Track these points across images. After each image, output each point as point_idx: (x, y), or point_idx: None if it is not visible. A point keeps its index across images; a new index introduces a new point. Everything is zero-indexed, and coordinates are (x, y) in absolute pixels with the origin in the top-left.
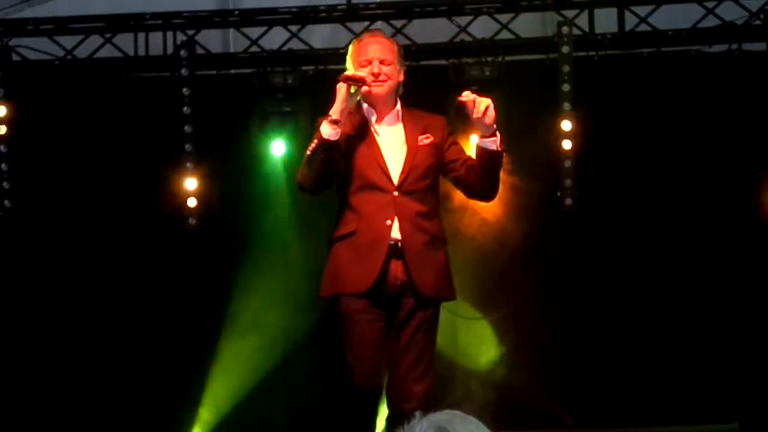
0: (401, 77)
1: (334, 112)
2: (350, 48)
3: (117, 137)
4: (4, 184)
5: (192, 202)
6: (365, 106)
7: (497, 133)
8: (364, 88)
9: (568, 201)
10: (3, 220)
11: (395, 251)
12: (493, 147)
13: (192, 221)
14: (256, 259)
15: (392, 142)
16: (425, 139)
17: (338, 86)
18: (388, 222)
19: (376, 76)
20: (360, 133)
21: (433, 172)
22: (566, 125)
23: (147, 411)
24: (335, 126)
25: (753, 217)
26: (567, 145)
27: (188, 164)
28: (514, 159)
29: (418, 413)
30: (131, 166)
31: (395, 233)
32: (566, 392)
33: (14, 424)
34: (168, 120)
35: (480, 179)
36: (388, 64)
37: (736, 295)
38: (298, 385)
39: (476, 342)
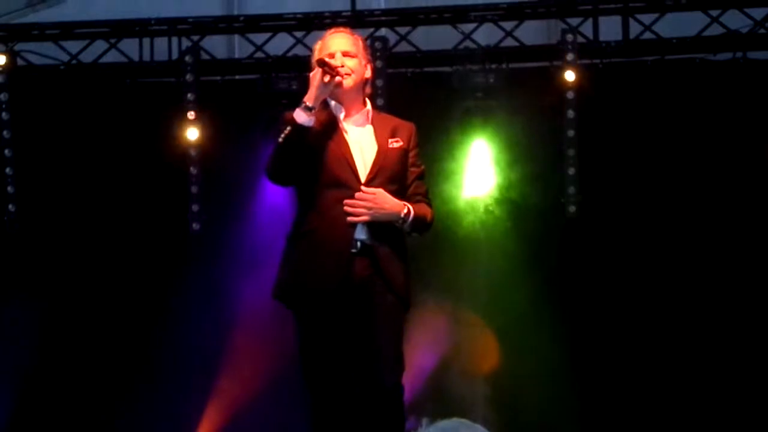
0: (367, 74)
1: (309, 98)
2: (315, 47)
3: (122, 142)
4: (9, 188)
5: (195, 207)
6: (332, 103)
7: (407, 213)
8: (338, 79)
9: (572, 208)
10: (8, 224)
11: (358, 250)
12: (407, 229)
13: (195, 226)
14: (259, 261)
15: (361, 141)
16: (395, 143)
17: (312, 73)
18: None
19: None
20: (327, 129)
21: (400, 178)
22: (570, 132)
23: (152, 412)
24: (309, 113)
25: (759, 225)
26: (571, 152)
27: (192, 169)
28: (518, 166)
29: (425, 420)
30: (135, 171)
31: (359, 233)
32: (569, 399)
33: (19, 425)
34: (172, 125)
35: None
36: (352, 57)
37: (740, 302)
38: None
39: (479, 349)
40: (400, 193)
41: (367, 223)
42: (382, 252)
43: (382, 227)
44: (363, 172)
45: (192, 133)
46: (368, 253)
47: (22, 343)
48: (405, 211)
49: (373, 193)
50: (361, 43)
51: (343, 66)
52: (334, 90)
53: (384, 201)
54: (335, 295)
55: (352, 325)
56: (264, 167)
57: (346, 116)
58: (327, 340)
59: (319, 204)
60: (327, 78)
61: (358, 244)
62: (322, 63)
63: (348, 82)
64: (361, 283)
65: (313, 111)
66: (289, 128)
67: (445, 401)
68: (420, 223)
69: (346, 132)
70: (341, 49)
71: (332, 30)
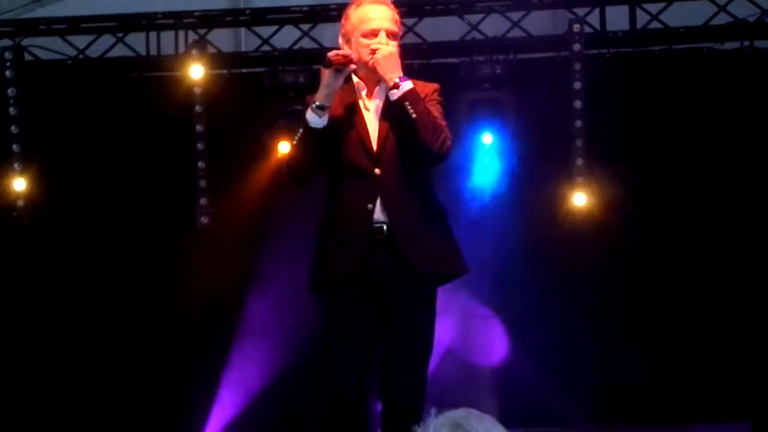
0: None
1: (319, 97)
2: (349, 12)
3: (129, 136)
4: (17, 183)
5: (204, 201)
6: (356, 80)
7: (402, 83)
8: (352, 66)
9: (580, 198)
10: (15, 219)
11: (380, 235)
12: (393, 96)
13: (203, 220)
14: (267, 254)
15: (379, 117)
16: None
17: (322, 70)
18: (369, 206)
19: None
20: (348, 111)
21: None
22: (578, 123)
23: (158, 411)
24: (322, 112)
25: (766, 215)
26: (578, 142)
27: (200, 163)
28: (526, 157)
29: (433, 410)
30: (143, 165)
31: (378, 215)
32: (578, 389)
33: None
34: (179, 119)
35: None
36: (395, 38)
37: (748, 294)
38: (313, 384)
39: (487, 339)
40: (415, 159)
41: (386, 205)
42: (407, 234)
43: (405, 204)
44: (375, 148)
45: (199, 127)
46: (392, 237)
47: (32, 338)
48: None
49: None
50: (398, 17)
51: (378, 49)
52: (359, 71)
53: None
54: (355, 285)
55: (376, 316)
56: (285, 168)
57: (368, 93)
58: (347, 330)
59: (340, 190)
60: (336, 71)
61: (384, 228)
62: (328, 64)
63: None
64: (386, 273)
65: (326, 109)
66: (301, 130)
67: (453, 391)
68: (420, 106)
69: (367, 110)
70: (385, 27)
71: None
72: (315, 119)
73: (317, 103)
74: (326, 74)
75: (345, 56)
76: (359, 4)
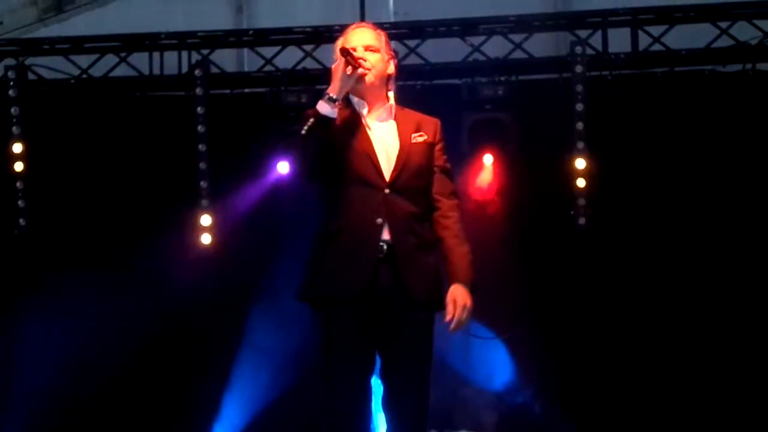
0: (390, 69)
1: (332, 90)
2: (336, 45)
3: (131, 156)
4: (20, 202)
5: (205, 219)
6: (355, 99)
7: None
8: (360, 71)
9: (582, 220)
10: (18, 238)
11: (384, 253)
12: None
13: (205, 238)
14: (271, 270)
15: (385, 138)
16: (419, 137)
17: (335, 65)
18: (378, 221)
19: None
20: (350, 126)
21: (425, 173)
22: (579, 144)
23: (159, 425)
24: (333, 105)
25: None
26: (580, 164)
27: (202, 182)
28: (527, 178)
29: None
30: (145, 184)
31: (384, 234)
32: (579, 411)
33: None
34: (182, 139)
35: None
36: (374, 51)
37: (752, 315)
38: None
39: (490, 361)
40: (424, 189)
41: (392, 225)
42: (406, 257)
43: (408, 229)
44: (387, 169)
45: (201, 147)
46: (392, 258)
47: (33, 356)
48: (470, 288)
49: (460, 311)
50: (384, 37)
51: (365, 60)
52: (356, 85)
53: (465, 307)
54: (358, 301)
55: (375, 333)
56: (293, 163)
57: (369, 112)
58: (349, 344)
59: (343, 202)
60: (350, 70)
61: (385, 247)
62: (345, 52)
63: (370, 77)
64: (385, 293)
65: (336, 103)
66: (312, 120)
67: (453, 413)
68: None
69: (369, 128)
70: (363, 43)
71: (354, 25)
72: (327, 109)
73: (331, 95)
74: (340, 69)
75: (359, 57)
76: (344, 34)
